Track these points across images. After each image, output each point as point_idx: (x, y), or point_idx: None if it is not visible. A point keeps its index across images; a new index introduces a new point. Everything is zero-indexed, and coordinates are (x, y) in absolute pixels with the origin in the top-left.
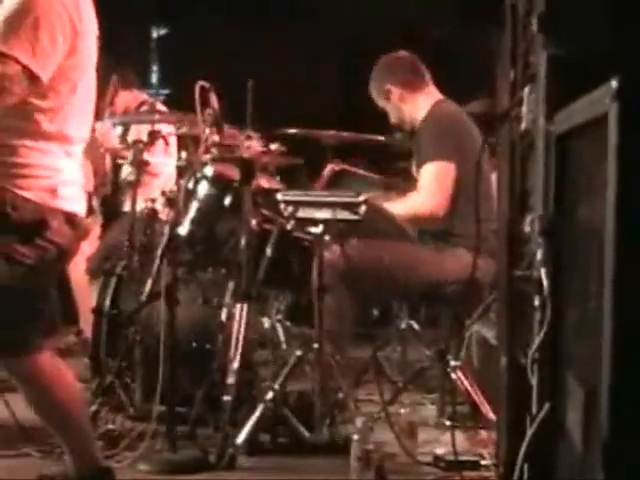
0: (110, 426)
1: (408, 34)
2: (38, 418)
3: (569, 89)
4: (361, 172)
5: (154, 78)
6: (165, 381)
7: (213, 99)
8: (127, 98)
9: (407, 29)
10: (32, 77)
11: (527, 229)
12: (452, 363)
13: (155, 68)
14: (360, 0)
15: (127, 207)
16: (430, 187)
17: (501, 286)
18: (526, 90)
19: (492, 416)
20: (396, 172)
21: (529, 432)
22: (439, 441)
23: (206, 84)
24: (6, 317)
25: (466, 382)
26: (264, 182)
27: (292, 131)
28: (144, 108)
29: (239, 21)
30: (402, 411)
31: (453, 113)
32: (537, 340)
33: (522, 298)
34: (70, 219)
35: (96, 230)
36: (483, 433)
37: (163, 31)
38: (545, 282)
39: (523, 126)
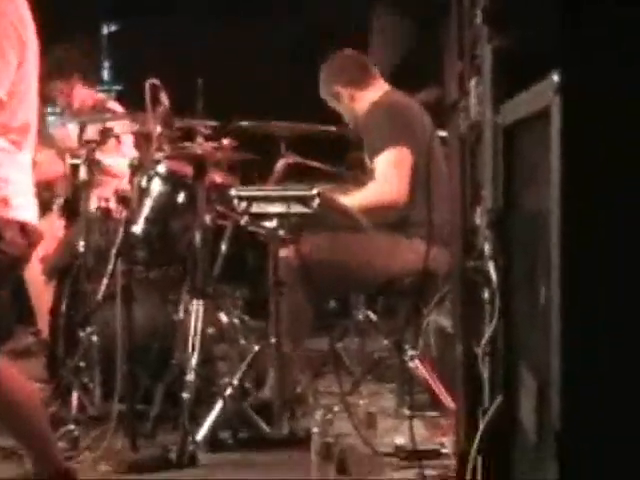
0: (70, 427)
1: (358, 24)
2: None
3: (515, 81)
4: (314, 164)
5: (106, 75)
6: (124, 380)
7: (163, 97)
8: (83, 95)
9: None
10: None
11: (478, 221)
12: (409, 353)
13: (107, 64)
14: None
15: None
16: (387, 175)
17: (454, 277)
18: (473, 82)
19: (451, 404)
20: (349, 163)
21: (481, 426)
22: (399, 431)
23: (156, 82)
24: None
25: (424, 371)
26: (217, 178)
27: (244, 124)
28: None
29: (190, 17)
30: (361, 402)
31: (401, 101)
32: (487, 333)
33: (475, 288)
34: (23, 228)
35: (55, 231)
36: (443, 421)
37: (114, 27)
38: (493, 276)
39: (471, 118)
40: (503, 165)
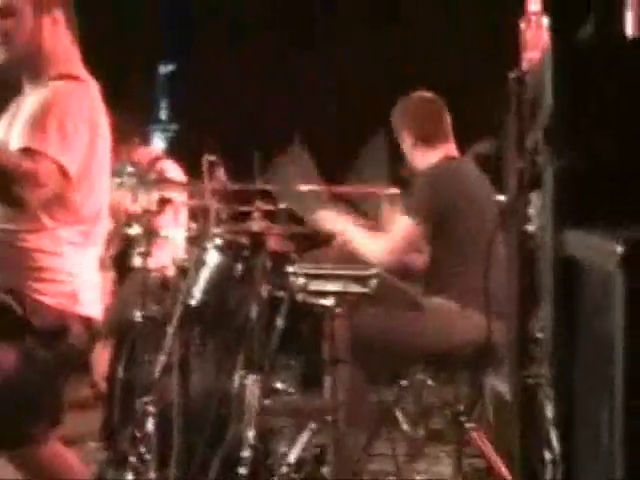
0: None
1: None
2: None
3: (578, 201)
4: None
5: (163, 114)
6: (180, 450)
7: (221, 173)
8: (142, 155)
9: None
10: (63, 172)
11: (538, 334)
12: (468, 425)
13: (163, 104)
14: None
15: (137, 262)
16: (396, 242)
17: (513, 393)
18: (534, 196)
19: (508, 477)
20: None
21: None
22: None
23: (214, 158)
24: (14, 413)
25: (482, 443)
26: (274, 245)
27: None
28: (157, 166)
29: (249, 55)
30: (417, 478)
31: (453, 170)
32: None
33: (535, 399)
34: (89, 323)
35: (108, 284)
36: None
37: (170, 67)
38: (555, 445)
39: (531, 228)
40: (562, 300)
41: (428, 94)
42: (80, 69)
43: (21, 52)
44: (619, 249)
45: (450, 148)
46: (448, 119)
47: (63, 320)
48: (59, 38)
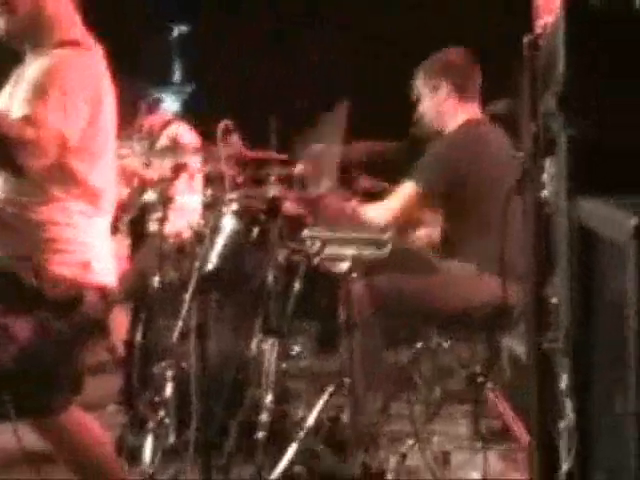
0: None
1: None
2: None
3: (590, 169)
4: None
5: (177, 76)
6: (198, 415)
7: (236, 138)
8: (154, 119)
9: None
10: (63, 141)
11: (553, 300)
12: (485, 386)
13: (177, 66)
14: None
15: (154, 228)
16: (394, 209)
17: (530, 357)
18: (547, 162)
19: (525, 436)
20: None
21: None
22: (473, 464)
23: (229, 123)
24: (33, 384)
25: (500, 405)
26: (290, 208)
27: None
28: (170, 129)
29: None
30: (435, 439)
31: (473, 136)
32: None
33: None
34: (103, 292)
35: (124, 251)
36: (517, 454)
37: (184, 28)
38: (570, 415)
39: (545, 193)
40: (576, 269)
41: (462, 49)
42: (83, 35)
43: (22, 20)
44: (633, 221)
45: (476, 108)
46: (480, 78)
47: (77, 290)
48: (61, 4)
